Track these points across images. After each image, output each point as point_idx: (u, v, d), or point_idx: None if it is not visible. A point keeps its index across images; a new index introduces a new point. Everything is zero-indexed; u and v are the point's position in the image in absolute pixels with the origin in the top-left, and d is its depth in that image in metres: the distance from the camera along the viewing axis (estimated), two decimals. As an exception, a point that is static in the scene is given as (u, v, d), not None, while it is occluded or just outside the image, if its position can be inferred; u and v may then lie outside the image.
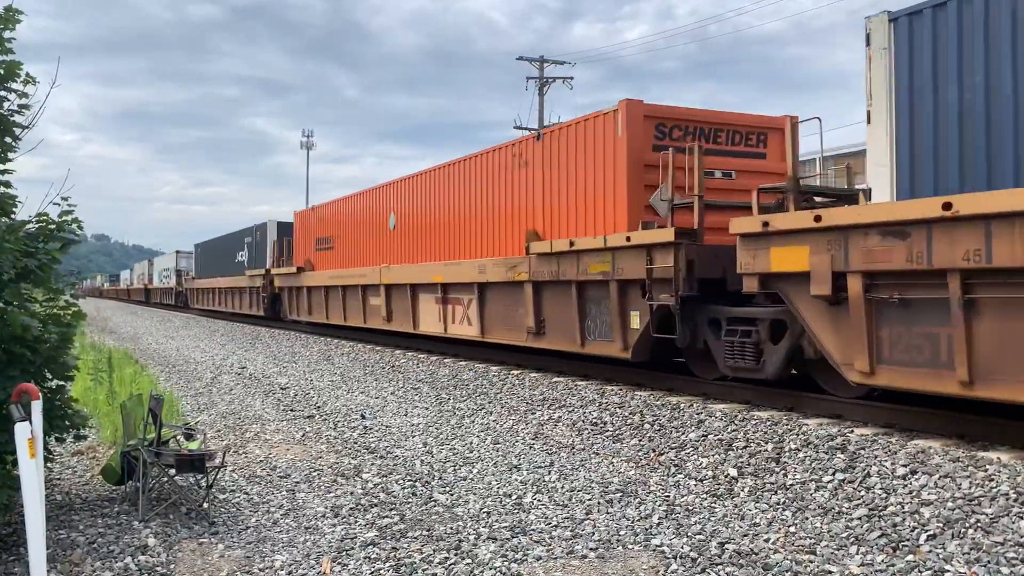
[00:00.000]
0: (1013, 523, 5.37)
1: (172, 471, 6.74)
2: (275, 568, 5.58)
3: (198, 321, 35.78)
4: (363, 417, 11.18)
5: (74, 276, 7.65)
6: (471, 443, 9.43)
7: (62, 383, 6.56)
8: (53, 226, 6.40)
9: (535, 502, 7.01)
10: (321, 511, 6.87)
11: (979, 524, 5.45)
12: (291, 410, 12.04)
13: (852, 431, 7.63)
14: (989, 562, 4.99)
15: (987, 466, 6.23)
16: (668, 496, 7.06)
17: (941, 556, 5.17)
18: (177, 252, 51.67)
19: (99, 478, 7.44)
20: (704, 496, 7.01)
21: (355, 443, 9.60)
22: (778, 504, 6.57)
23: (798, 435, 7.73)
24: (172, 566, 5.56)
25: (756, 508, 6.56)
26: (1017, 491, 5.72)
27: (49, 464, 7.22)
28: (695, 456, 8.00)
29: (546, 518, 6.54)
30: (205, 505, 6.83)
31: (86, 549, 5.70)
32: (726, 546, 5.66)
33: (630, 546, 5.83)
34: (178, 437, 7.59)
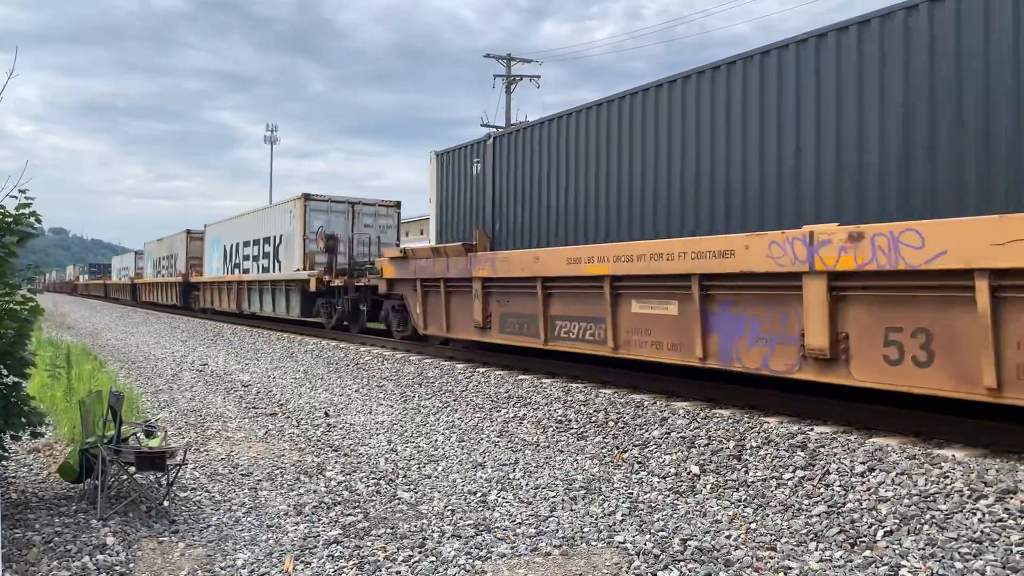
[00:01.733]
0: (967, 519, 5.49)
1: (132, 469, 6.64)
2: (237, 567, 5.52)
3: (159, 317, 35.25)
4: (327, 415, 11.10)
5: (32, 270, 7.49)
6: (436, 441, 9.42)
7: (18, 379, 6.43)
8: (10, 219, 6.27)
9: (500, 499, 7.03)
10: (284, 509, 6.82)
11: (934, 520, 5.57)
12: (253, 407, 11.92)
13: (812, 429, 7.75)
14: (944, 557, 5.10)
15: (942, 463, 6.37)
16: (631, 493, 7.12)
17: (897, 552, 5.28)
18: (305, 199, 23.23)
19: (56, 476, 7.30)
20: (667, 493, 7.08)
21: (318, 441, 9.54)
22: (739, 501, 6.66)
23: (759, 433, 7.84)
24: (131, 565, 5.48)
25: (718, 505, 6.64)
26: (971, 487, 5.86)
27: (4, 462, 7.08)
28: (658, 453, 8.07)
29: (510, 515, 6.56)
30: (166, 503, 6.74)
31: (43, 548, 5.59)
32: (688, 543, 5.72)
33: (594, 543, 5.86)
34: (138, 434, 7.48)
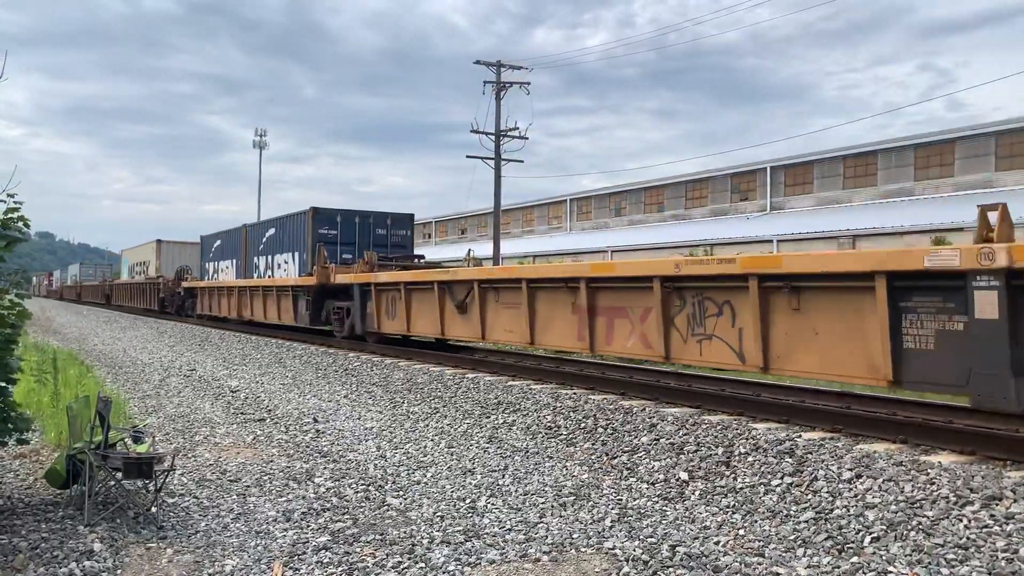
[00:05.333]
0: (953, 525, 5.53)
1: (119, 474, 6.60)
2: (225, 573, 5.50)
3: (145, 322, 35.05)
4: (315, 421, 11.08)
5: (19, 273, 7.46)
6: (425, 447, 9.41)
7: (5, 385, 6.40)
8: (-2, 224, 6.24)
9: (489, 506, 7.02)
10: (272, 515, 6.80)
11: (921, 526, 5.60)
12: (241, 413, 11.87)
13: (800, 435, 7.78)
14: (930, 563, 5.13)
15: (929, 470, 6.41)
16: (620, 499, 7.13)
17: (884, 558, 5.31)
18: None
19: (43, 482, 7.26)
20: (656, 499, 7.09)
21: (307, 447, 9.51)
22: (728, 507, 6.68)
23: (747, 439, 7.86)
24: (119, 571, 5.45)
25: (707, 511, 6.66)
26: (957, 494, 5.89)
27: (-10, 467, 7.03)
28: (647, 460, 8.08)
29: (500, 522, 6.55)
30: (153, 509, 6.71)
31: (29, 554, 5.56)
32: (677, 549, 5.73)
33: (583, 549, 5.87)
34: (126, 440, 7.45)
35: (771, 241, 35.81)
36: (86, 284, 63.58)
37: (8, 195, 6.28)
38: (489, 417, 10.63)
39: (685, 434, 8.43)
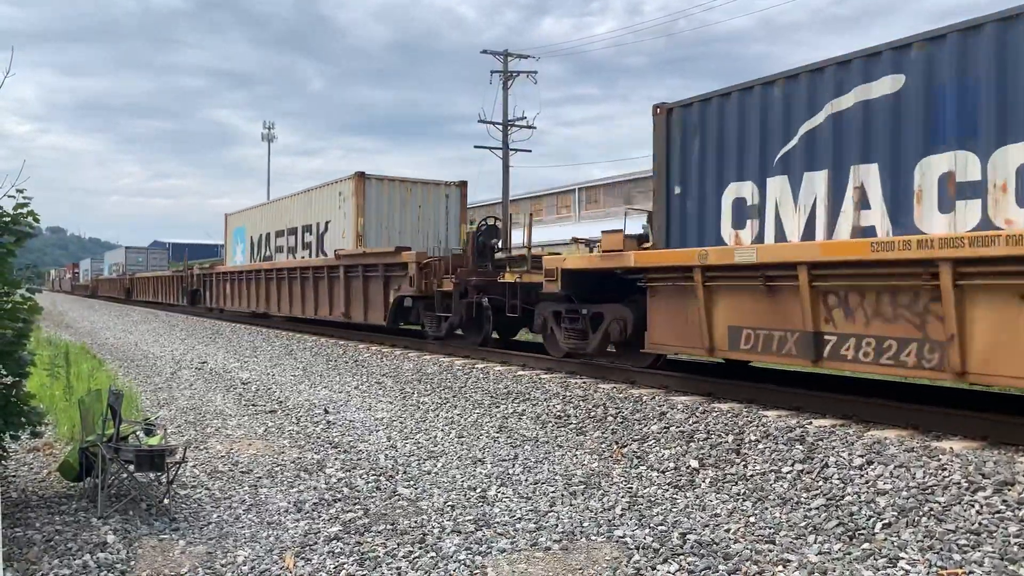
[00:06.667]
0: (964, 511, 5.51)
1: (132, 467, 6.64)
2: (237, 564, 5.53)
3: (156, 315, 35.20)
4: (326, 412, 11.12)
5: (29, 269, 7.50)
6: (435, 437, 9.43)
7: (18, 379, 6.43)
8: (8, 219, 6.27)
9: (499, 495, 7.04)
10: (284, 506, 6.83)
11: (932, 512, 5.59)
12: (253, 405, 11.92)
13: (811, 422, 7.76)
14: (942, 549, 5.12)
15: (940, 456, 6.38)
16: (631, 488, 7.13)
17: (896, 544, 5.29)
18: None
19: (56, 475, 7.31)
20: (666, 487, 7.09)
21: (318, 438, 9.54)
22: (738, 495, 6.67)
23: (758, 427, 7.85)
24: (132, 563, 5.48)
25: (717, 499, 6.66)
26: (969, 480, 5.87)
27: (4, 461, 7.08)
28: (657, 448, 8.08)
29: (510, 511, 6.57)
30: (166, 501, 6.75)
31: (43, 547, 5.60)
32: (687, 536, 5.73)
33: (593, 537, 5.88)
34: (138, 433, 7.49)
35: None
36: (140, 275, 47.48)
37: (17, 190, 6.30)
38: (499, 407, 10.65)
39: (695, 422, 8.42)
